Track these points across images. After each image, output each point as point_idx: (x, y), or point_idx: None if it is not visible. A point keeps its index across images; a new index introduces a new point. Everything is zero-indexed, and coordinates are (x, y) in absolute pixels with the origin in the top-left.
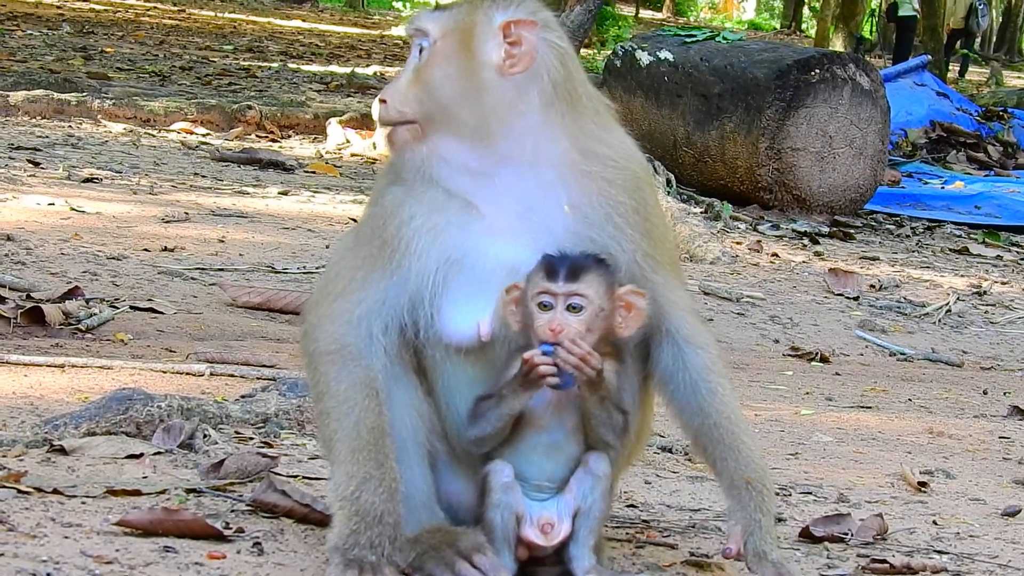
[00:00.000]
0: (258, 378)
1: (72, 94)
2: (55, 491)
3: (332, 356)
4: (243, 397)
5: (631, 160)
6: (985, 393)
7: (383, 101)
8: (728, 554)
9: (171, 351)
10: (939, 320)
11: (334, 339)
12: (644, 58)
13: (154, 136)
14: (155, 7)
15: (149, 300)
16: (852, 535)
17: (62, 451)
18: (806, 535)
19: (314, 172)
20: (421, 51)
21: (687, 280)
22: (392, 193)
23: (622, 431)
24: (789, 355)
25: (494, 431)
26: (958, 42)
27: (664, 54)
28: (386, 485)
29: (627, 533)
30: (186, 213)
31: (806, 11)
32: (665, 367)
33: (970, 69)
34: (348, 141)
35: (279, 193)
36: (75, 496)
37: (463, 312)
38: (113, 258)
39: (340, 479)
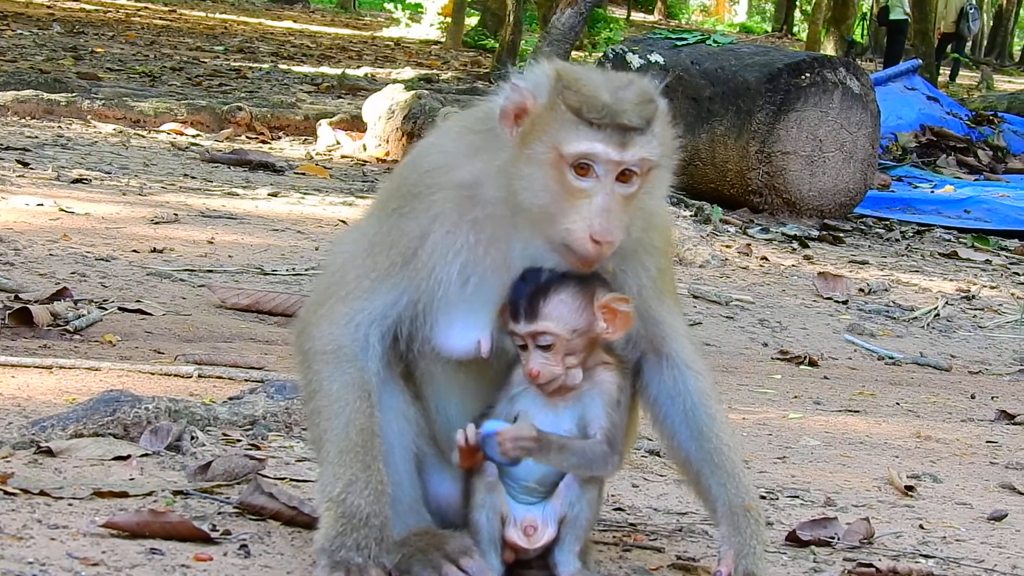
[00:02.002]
0: (246, 380)
1: (62, 94)
2: (42, 493)
3: (327, 356)
4: (231, 399)
5: (667, 207)
6: (973, 397)
7: (611, 242)
8: None
9: (159, 353)
10: (927, 324)
11: (331, 340)
12: (635, 61)
13: (144, 137)
14: (146, 7)
15: (138, 301)
16: (839, 539)
17: (49, 453)
18: (793, 539)
19: (304, 174)
20: (629, 177)
21: (677, 283)
22: (424, 217)
23: (600, 461)
24: (778, 359)
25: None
26: (949, 46)
27: (655, 57)
28: (373, 487)
29: (614, 536)
30: (175, 214)
31: (798, 14)
32: (663, 389)
33: (961, 73)
34: (338, 143)
35: (269, 195)
36: (62, 498)
37: (465, 328)
38: (102, 259)
39: (327, 480)
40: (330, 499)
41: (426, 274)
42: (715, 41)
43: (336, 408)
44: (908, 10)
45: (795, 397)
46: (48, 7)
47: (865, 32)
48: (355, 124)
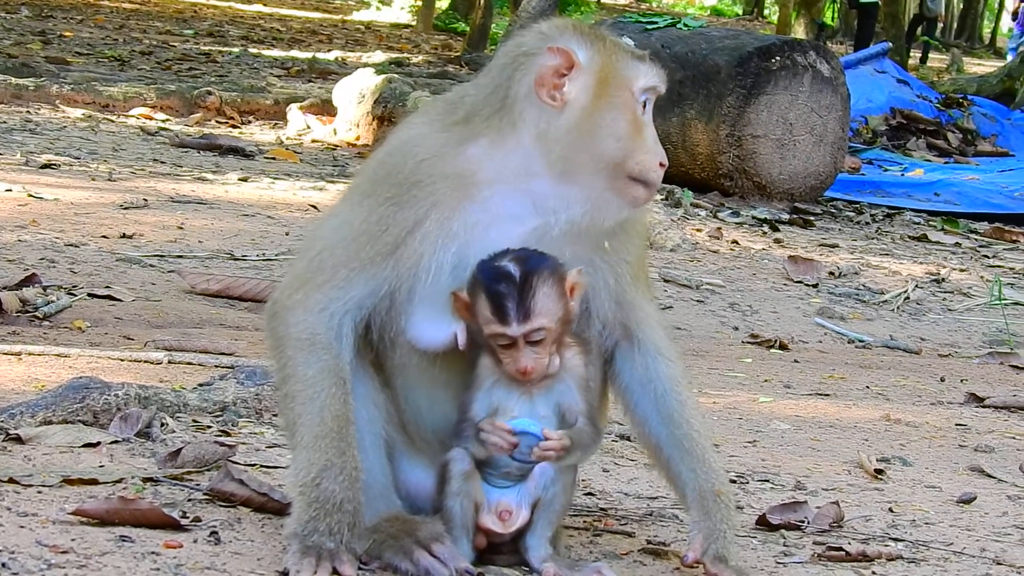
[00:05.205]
0: (216, 366)
1: (30, 79)
2: (11, 480)
3: (301, 343)
4: (201, 385)
5: None
6: (942, 380)
7: (662, 165)
8: (687, 561)
9: (129, 339)
10: (897, 307)
11: (306, 327)
12: None
13: (113, 122)
14: None
15: (107, 287)
16: (808, 522)
17: (18, 440)
18: (763, 523)
19: (274, 158)
20: (645, 105)
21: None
22: (423, 204)
23: (593, 443)
24: (748, 342)
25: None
26: (919, 29)
27: (625, 41)
28: (347, 473)
29: (584, 521)
30: (145, 199)
31: None
32: (634, 376)
33: (931, 56)
34: (308, 127)
35: (239, 179)
36: (31, 485)
37: (443, 320)
38: (71, 245)
39: (301, 465)
40: (304, 484)
41: (414, 262)
42: (685, 25)
43: (311, 393)
44: None
45: (765, 381)
46: None
47: (836, 15)
48: (325, 108)
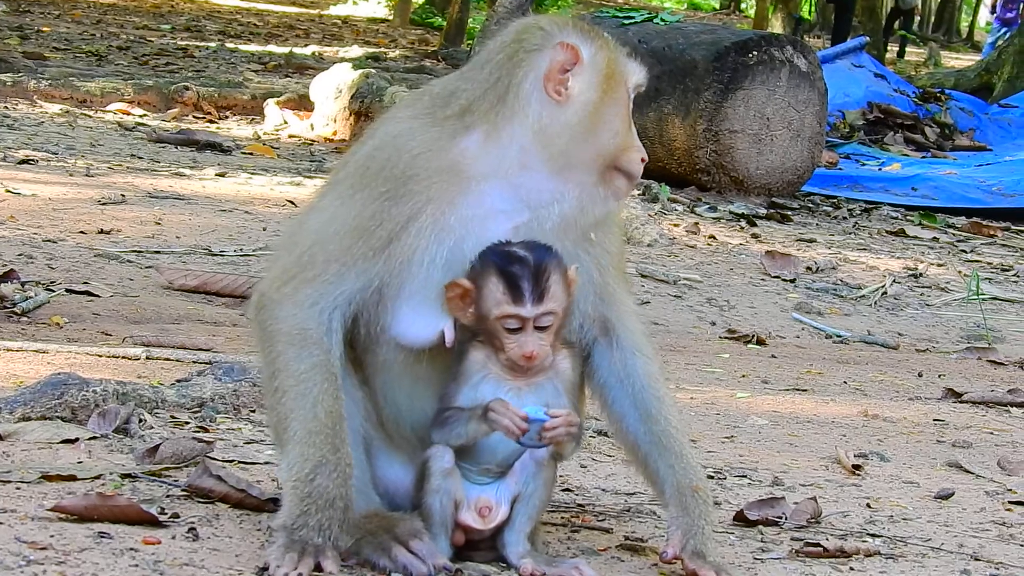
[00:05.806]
0: (194, 362)
1: (7, 74)
2: None
3: (292, 338)
4: (179, 381)
5: None
6: (920, 376)
7: (643, 159)
8: (665, 558)
9: (107, 334)
10: (875, 302)
11: (296, 322)
12: None
13: (90, 117)
14: None
15: (85, 283)
16: (786, 519)
17: None
18: (740, 519)
19: (251, 153)
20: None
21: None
22: (419, 199)
23: (577, 445)
24: (726, 337)
25: (459, 445)
26: (896, 22)
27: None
28: (340, 470)
29: (562, 517)
30: (122, 195)
31: None
32: (612, 372)
33: (908, 50)
34: (286, 122)
35: (216, 175)
36: (9, 481)
37: (429, 315)
38: (49, 240)
39: (294, 460)
40: (297, 479)
41: (407, 257)
42: (662, 20)
43: (303, 389)
44: None
45: (743, 376)
46: None
47: (813, 9)
48: (302, 103)
